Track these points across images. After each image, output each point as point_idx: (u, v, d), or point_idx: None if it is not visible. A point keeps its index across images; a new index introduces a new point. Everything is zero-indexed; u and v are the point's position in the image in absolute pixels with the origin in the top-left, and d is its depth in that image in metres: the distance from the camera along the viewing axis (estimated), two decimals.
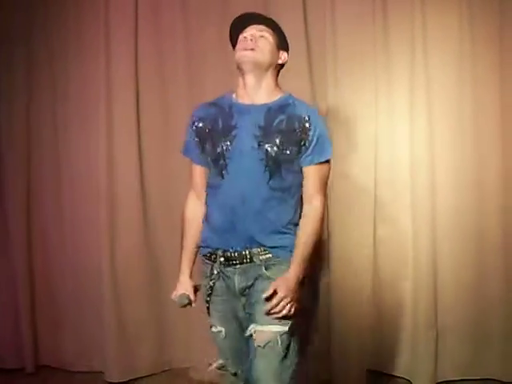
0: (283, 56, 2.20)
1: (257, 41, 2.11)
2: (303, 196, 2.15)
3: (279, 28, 2.20)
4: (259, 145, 2.07)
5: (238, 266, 2.10)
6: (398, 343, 3.35)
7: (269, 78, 2.14)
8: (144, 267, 3.53)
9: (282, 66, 2.22)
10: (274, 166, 2.07)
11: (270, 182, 2.07)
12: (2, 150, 3.58)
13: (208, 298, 2.17)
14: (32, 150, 3.61)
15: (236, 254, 2.09)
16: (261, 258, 2.09)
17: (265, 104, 2.12)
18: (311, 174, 2.12)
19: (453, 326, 3.30)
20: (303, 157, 2.10)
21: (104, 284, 3.45)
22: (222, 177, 2.10)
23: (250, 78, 2.11)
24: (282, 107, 2.12)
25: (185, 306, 2.24)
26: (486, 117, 3.22)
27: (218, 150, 2.10)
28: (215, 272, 2.13)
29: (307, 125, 2.09)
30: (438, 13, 3.21)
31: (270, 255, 2.09)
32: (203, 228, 2.19)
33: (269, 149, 2.06)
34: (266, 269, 2.08)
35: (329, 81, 3.29)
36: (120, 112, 3.46)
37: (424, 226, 3.24)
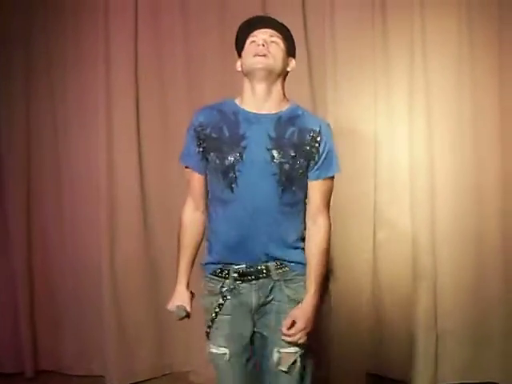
0: (292, 63, 2.09)
1: (269, 46, 2.00)
2: (307, 211, 2.08)
3: (290, 33, 2.10)
4: (272, 158, 1.98)
5: (254, 281, 2.02)
6: (397, 346, 3.34)
7: (278, 86, 2.03)
8: (144, 270, 3.54)
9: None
10: (287, 181, 1.99)
11: (282, 197, 1.99)
12: (2, 153, 3.57)
13: (214, 317, 2.06)
14: (32, 153, 3.60)
15: (252, 270, 2.01)
16: (278, 272, 2.02)
17: (274, 114, 2.02)
18: (317, 189, 2.04)
19: (452, 329, 3.30)
20: (312, 171, 2.03)
21: (104, 287, 3.45)
22: (232, 190, 1.98)
23: (261, 86, 2.00)
24: (291, 118, 2.02)
25: (182, 318, 2.17)
26: (485, 120, 3.23)
27: (227, 162, 1.98)
28: (226, 289, 2.03)
29: (318, 138, 2.01)
30: (437, 17, 3.22)
31: (287, 269, 2.03)
32: (209, 243, 2.09)
33: (283, 163, 1.97)
34: (285, 285, 2.02)
35: (328, 84, 3.30)
36: (119, 115, 3.46)
37: (423, 229, 3.24)
